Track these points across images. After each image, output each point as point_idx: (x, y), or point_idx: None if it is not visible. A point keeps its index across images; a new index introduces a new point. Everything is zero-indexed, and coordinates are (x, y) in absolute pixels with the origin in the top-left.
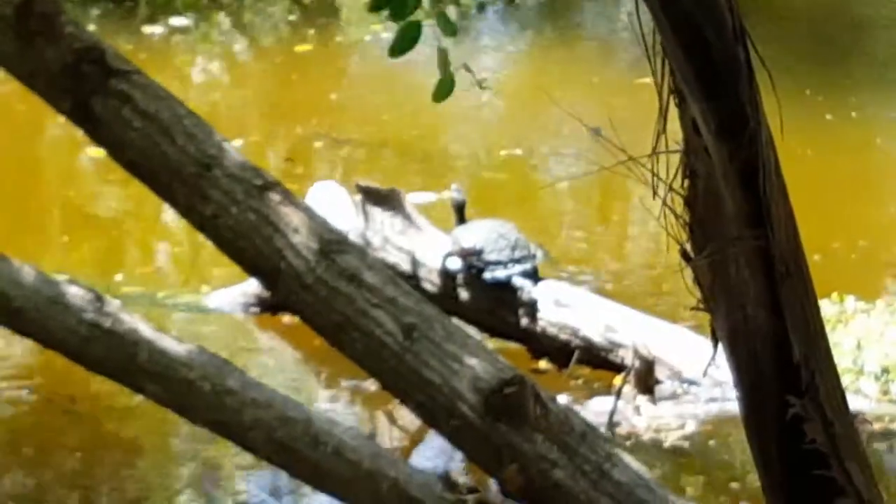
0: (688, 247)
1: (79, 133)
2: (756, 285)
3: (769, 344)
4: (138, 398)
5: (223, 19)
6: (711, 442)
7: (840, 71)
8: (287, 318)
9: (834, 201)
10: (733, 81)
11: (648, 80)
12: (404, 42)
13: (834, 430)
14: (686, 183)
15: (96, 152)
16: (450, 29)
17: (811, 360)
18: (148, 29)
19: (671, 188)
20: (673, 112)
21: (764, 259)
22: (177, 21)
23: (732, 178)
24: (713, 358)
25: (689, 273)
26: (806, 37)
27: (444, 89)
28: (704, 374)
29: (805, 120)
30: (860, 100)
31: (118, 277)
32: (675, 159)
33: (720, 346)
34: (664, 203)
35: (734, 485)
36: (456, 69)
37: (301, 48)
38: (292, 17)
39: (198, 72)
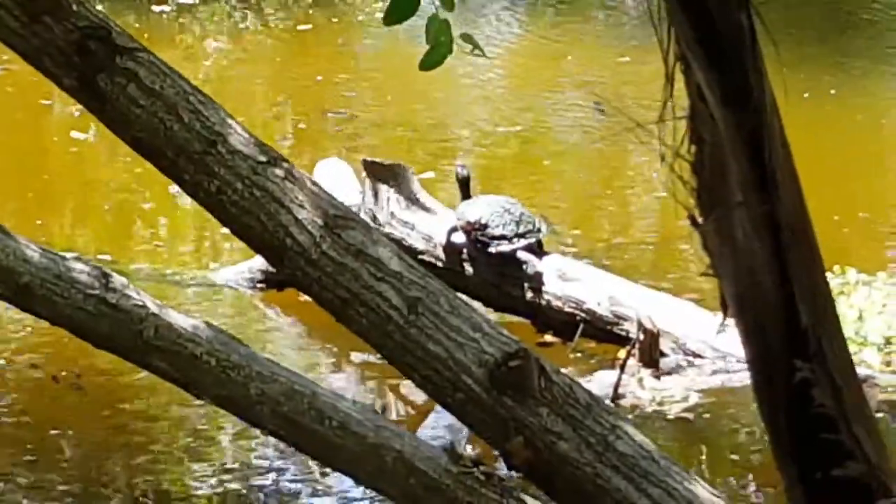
0: (696, 213)
1: (71, 111)
2: (763, 251)
3: (777, 309)
4: (144, 373)
5: None
6: (715, 414)
7: (816, 49)
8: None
9: (825, 176)
10: (737, 49)
11: (629, 58)
12: (400, 10)
13: (842, 395)
14: (692, 149)
15: (80, 132)
16: (448, 2)
17: (818, 326)
18: (156, 7)
19: (678, 154)
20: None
21: (770, 225)
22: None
23: (738, 144)
24: (723, 323)
25: (697, 239)
26: (781, 14)
27: (434, 58)
28: (719, 332)
29: (782, 98)
30: (838, 78)
31: (126, 253)
32: (682, 126)
33: (729, 311)
34: (671, 169)
35: (737, 456)
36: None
37: (306, 26)
38: None
39: (203, 50)
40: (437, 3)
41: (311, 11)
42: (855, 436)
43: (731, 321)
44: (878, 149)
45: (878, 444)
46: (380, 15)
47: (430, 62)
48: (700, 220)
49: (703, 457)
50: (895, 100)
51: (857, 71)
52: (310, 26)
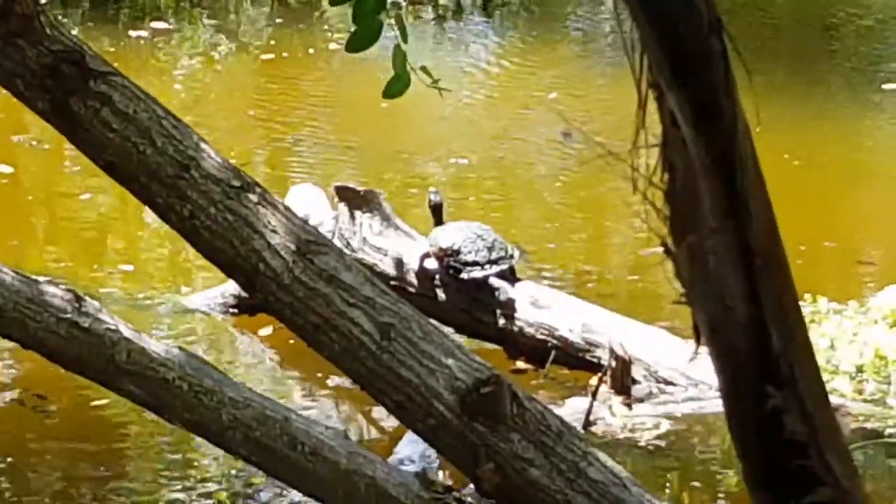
0: (668, 240)
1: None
2: (735, 277)
3: (749, 335)
4: (112, 397)
5: (207, 23)
6: (686, 441)
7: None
8: (263, 330)
9: (782, 206)
10: (709, 73)
11: (601, 85)
12: (363, 39)
13: (814, 422)
14: (665, 177)
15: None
16: (403, 35)
17: (791, 352)
18: (132, 33)
19: (651, 182)
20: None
21: (742, 251)
22: (160, 24)
23: (710, 169)
24: (696, 350)
25: (669, 267)
26: (756, 42)
27: (396, 87)
28: (692, 359)
29: (754, 124)
30: (764, 114)
31: (98, 278)
32: (654, 154)
33: (701, 338)
34: (644, 197)
35: (708, 483)
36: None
37: (279, 53)
38: (279, 20)
39: (177, 75)
40: (397, 33)
41: (272, 42)
42: (827, 462)
43: (703, 349)
44: (811, 185)
45: (851, 470)
46: (334, 46)
47: (393, 91)
48: (673, 247)
49: (675, 484)
50: (821, 133)
51: (782, 108)
52: (287, 53)
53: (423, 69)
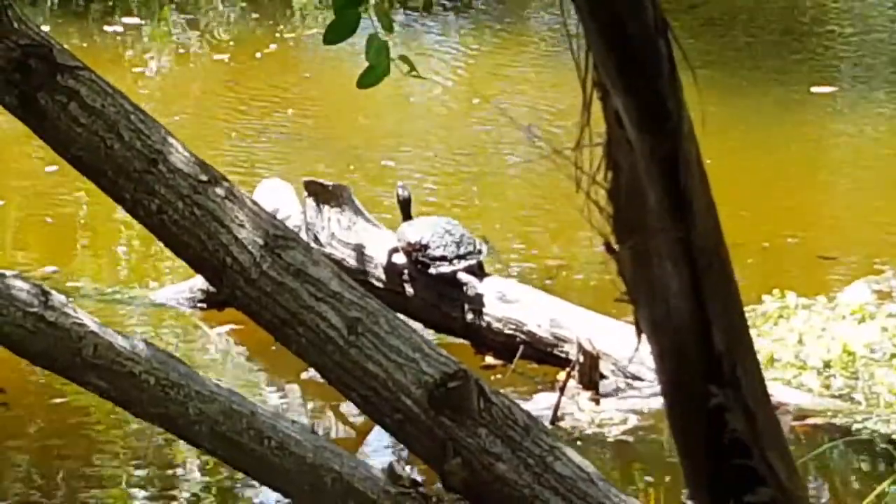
0: (612, 239)
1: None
2: (678, 277)
3: (692, 335)
4: (75, 390)
5: (178, 19)
6: (654, 436)
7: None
8: (231, 325)
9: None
10: (655, 74)
11: (566, 83)
12: (341, 30)
13: (755, 420)
14: (609, 176)
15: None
16: (386, 22)
17: (733, 351)
18: (105, 28)
19: (595, 181)
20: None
21: (686, 251)
22: (130, 20)
23: (654, 170)
24: (637, 349)
25: (613, 266)
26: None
27: (372, 76)
28: (632, 357)
29: (699, 125)
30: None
31: (66, 272)
32: (599, 153)
33: (644, 337)
34: (588, 196)
35: (674, 478)
36: (392, 60)
37: (234, 53)
38: (255, 15)
39: (144, 71)
40: (377, 23)
41: (231, 43)
42: (767, 461)
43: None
44: (758, 179)
45: (791, 468)
46: (274, 47)
47: (369, 80)
48: (616, 246)
49: (642, 479)
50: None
51: (722, 106)
52: (226, 56)
53: (403, 59)
